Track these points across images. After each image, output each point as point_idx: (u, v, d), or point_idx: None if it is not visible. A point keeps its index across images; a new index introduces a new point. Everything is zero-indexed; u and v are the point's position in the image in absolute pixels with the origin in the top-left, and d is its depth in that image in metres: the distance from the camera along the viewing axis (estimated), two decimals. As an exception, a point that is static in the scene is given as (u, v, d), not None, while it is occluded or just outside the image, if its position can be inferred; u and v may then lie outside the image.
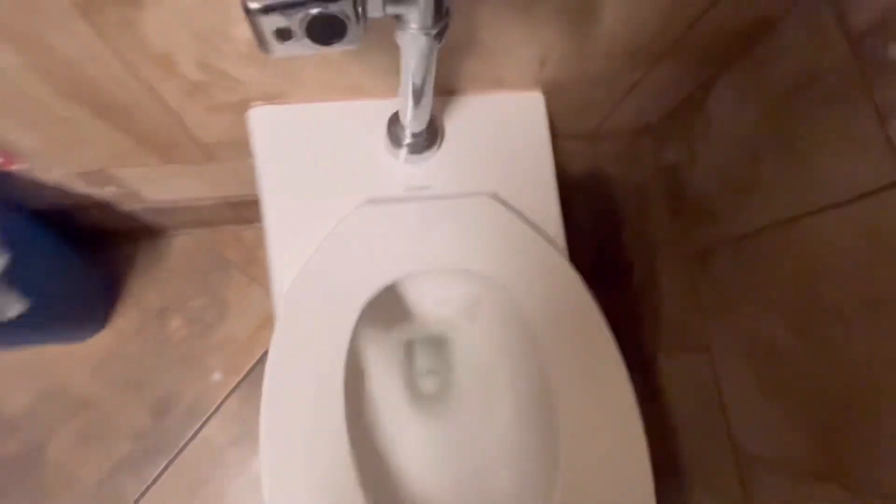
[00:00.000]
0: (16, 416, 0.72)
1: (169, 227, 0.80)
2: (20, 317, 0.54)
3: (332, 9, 0.25)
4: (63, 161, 0.56)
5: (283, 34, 0.26)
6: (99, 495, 0.71)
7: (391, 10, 0.28)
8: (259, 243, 0.82)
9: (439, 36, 0.30)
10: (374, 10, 0.27)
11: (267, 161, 0.48)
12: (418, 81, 0.36)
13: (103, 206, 0.69)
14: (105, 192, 0.65)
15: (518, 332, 0.53)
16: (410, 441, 0.53)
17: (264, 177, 0.48)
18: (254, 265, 0.81)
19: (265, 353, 0.77)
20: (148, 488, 0.72)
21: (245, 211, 0.78)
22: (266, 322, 0.79)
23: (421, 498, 0.49)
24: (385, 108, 0.48)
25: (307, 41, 0.27)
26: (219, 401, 0.76)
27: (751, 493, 0.57)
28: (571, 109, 0.60)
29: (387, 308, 0.54)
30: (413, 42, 0.30)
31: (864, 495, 0.43)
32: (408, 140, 0.47)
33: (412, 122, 0.43)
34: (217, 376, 0.77)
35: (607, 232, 0.84)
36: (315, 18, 0.26)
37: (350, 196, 0.47)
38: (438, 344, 0.61)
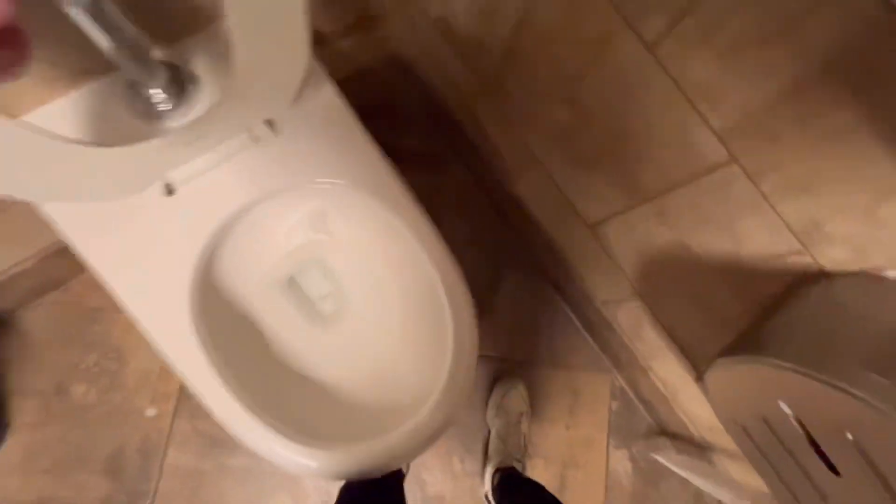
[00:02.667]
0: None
1: (13, 307, 0.74)
2: None
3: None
4: None
5: None
6: (101, 566, 0.72)
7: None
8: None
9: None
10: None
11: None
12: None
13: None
14: None
15: (373, 222, 0.57)
16: (325, 355, 0.58)
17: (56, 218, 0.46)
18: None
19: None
20: (144, 534, 0.74)
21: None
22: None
23: (337, 394, 0.56)
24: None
25: None
26: (166, 430, 0.77)
27: (606, 245, 0.70)
28: (328, 2, 0.61)
29: (243, 259, 0.56)
30: None
31: (647, 202, 0.55)
32: (160, 98, 0.46)
33: (141, 61, 0.42)
34: (151, 412, 0.77)
35: (434, 107, 0.89)
36: None
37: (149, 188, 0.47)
38: (320, 268, 0.65)
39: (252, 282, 0.58)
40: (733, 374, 0.42)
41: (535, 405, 0.89)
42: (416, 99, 0.93)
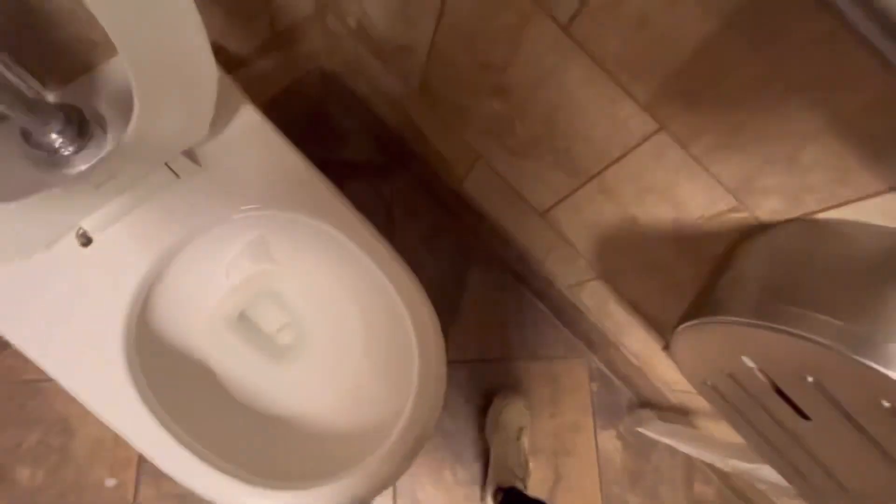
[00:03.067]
0: None
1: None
2: None
3: None
4: None
5: None
6: None
7: None
8: (22, 364, 0.72)
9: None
10: None
11: None
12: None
13: None
14: None
15: (317, 242, 0.55)
16: (285, 389, 0.55)
17: None
18: (41, 392, 0.72)
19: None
20: None
21: None
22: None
23: (303, 429, 0.53)
24: None
25: None
26: (130, 499, 0.71)
27: (560, 230, 0.70)
28: (235, 21, 0.58)
29: (182, 304, 0.52)
30: None
31: (590, 181, 0.55)
32: (59, 143, 0.42)
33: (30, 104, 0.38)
34: (111, 482, 0.71)
35: (367, 116, 0.87)
36: None
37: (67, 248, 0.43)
38: (272, 299, 0.62)
39: (197, 326, 0.54)
40: (694, 339, 0.43)
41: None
42: (348, 111, 0.91)
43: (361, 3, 0.63)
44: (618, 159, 0.50)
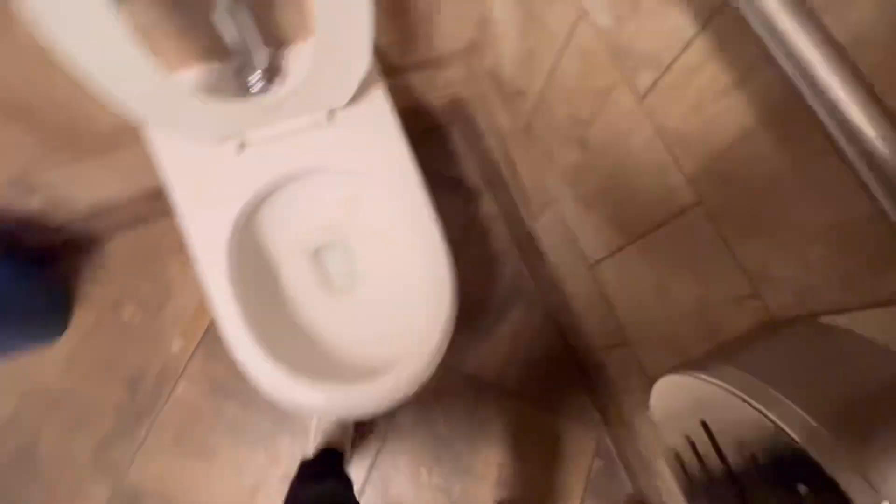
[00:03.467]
0: (5, 421, 0.81)
1: (102, 233, 0.91)
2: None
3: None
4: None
5: None
6: (95, 470, 0.81)
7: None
8: (187, 228, 0.94)
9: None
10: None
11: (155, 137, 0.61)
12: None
13: (39, 222, 0.80)
14: (33, 205, 0.76)
15: (394, 215, 0.67)
16: (331, 316, 0.67)
17: (156, 150, 0.61)
18: (185, 248, 0.93)
19: (213, 320, 0.90)
20: (136, 452, 0.82)
21: (165, 202, 0.89)
22: (209, 291, 0.91)
23: (340, 347, 0.63)
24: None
25: None
26: (182, 365, 0.87)
27: (602, 286, 0.74)
28: (396, 36, 0.76)
29: (282, 228, 0.68)
30: None
31: (635, 241, 0.60)
32: (255, 67, 0.60)
33: (249, 55, 0.57)
34: (176, 345, 0.88)
35: (477, 143, 1.00)
36: None
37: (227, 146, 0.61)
38: (342, 248, 0.75)
39: (282, 243, 0.69)
40: (668, 392, 0.45)
41: (516, 441, 0.90)
42: (463, 135, 1.06)
43: (500, 50, 0.77)
44: (661, 225, 0.54)
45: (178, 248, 0.93)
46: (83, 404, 0.83)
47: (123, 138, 0.71)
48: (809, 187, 0.36)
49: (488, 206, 1.05)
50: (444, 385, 0.91)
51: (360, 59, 0.56)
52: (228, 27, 0.53)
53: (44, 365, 0.84)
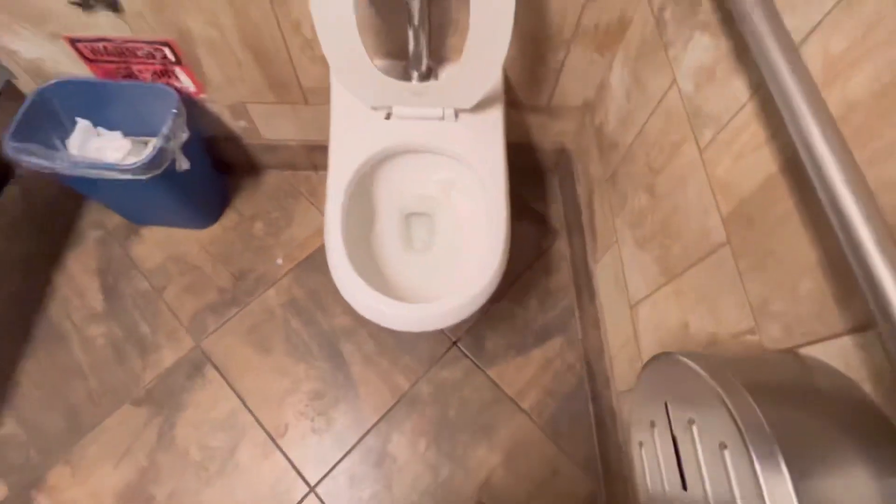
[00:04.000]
0: (150, 269, 1.08)
1: (266, 165, 1.19)
2: (186, 172, 0.92)
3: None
4: (224, 94, 0.97)
5: None
6: (191, 326, 1.03)
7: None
8: (322, 182, 1.19)
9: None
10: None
11: (336, 93, 0.85)
12: (419, 32, 0.72)
13: (234, 139, 1.10)
14: (238, 126, 1.06)
15: (478, 205, 0.83)
16: (407, 266, 0.83)
17: (333, 102, 0.85)
18: (314, 196, 1.18)
19: (313, 251, 1.11)
20: (221, 325, 1.03)
21: (316, 156, 1.16)
22: (317, 232, 1.13)
23: (412, 283, 0.78)
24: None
25: None
26: (277, 278, 1.08)
27: (637, 327, 0.79)
28: (526, 81, 0.95)
29: (391, 187, 0.86)
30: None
31: (672, 280, 0.66)
32: (418, 69, 0.82)
33: (419, 61, 0.79)
34: (279, 261, 1.10)
35: (569, 187, 1.13)
36: None
37: (378, 113, 0.83)
38: (428, 218, 0.91)
39: (387, 198, 0.87)
40: (644, 381, 0.50)
41: (514, 455, 0.93)
42: (560, 179, 1.20)
43: (609, 109, 0.91)
44: (695, 263, 0.61)
45: (308, 194, 1.18)
46: (201, 278, 1.08)
47: (314, 97, 0.98)
48: (806, 226, 0.43)
49: (562, 246, 1.15)
50: (468, 379, 0.99)
51: (488, 81, 0.75)
52: (412, 41, 0.75)
53: (190, 241, 1.11)
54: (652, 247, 0.74)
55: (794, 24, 0.44)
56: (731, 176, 0.54)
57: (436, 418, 0.96)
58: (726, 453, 0.36)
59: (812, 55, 0.42)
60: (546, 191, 1.22)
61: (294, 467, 0.91)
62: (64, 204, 1.13)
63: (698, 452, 0.40)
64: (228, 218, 1.15)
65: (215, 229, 1.13)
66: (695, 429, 0.41)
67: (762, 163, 0.49)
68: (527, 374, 1.01)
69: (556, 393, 0.99)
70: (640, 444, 0.51)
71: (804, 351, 0.44)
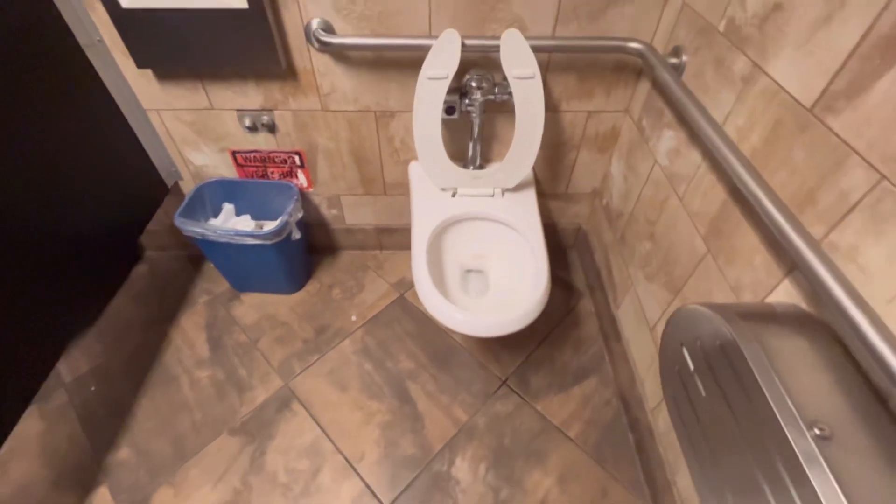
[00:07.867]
0: (248, 324, 1.30)
1: (342, 246, 1.50)
2: (294, 243, 1.21)
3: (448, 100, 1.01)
4: (327, 188, 1.32)
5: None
6: (281, 369, 1.21)
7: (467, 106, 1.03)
8: (386, 259, 1.48)
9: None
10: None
11: (415, 181, 1.19)
12: (476, 141, 1.09)
13: (324, 225, 1.42)
14: (329, 213, 1.39)
15: (523, 260, 1.10)
16: (468, 307, 1.07)
17: (414, 187, 1.18)
18: (381, 269, 1.45)
19: (381, 311, 1.35)
20: (306, 369, 1.21)
21: (384, 238, 1.46)
22: (384, 296, 1.38)
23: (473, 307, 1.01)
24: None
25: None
26: (352, 330, 1.30)
27: (655, 339, 0.98)
28: (549, 175, 1.29)
29: (455, 247, 1.15)
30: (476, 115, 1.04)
31: (678, 292, 0.89)
32: (475, 164, 1.16)
33: (475, 160, 1.14)
34: (353, 318, 1.32)
35: (587, 255, 1.40)
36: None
37: (447, 193, 1.15)
38: (482, 275, 1.17)
39: (452, 255, 1.15)
40: (669, 329, 0.71)
41: (566, 478, 1.04)
42: (579, 252, 1.47)
43: (612, 191, 1.23)
44: (691, 274, 0.86)
45: (374, 267, 1.46)
46: (289, 332, 1.29)
47: (392, 189, 1.32)
48: (748, 223, 0.70)
49: (587, 304, 1.38)
50: (518, 412, 1.14)
51: (523, 171, 1.09)
52: (471, 148, 1.11)
53: (280, 304, 1.36)
54: (659, 276, 0.98)
55: (717, 115, 0.76)
56: (702, 208, 0.82)
57: (493, 446, 1.08)
58: (722, 347, 0.57)
59: (730, 129, 0.74)
60: (568, 262, 1.50)
61: (370, 489, 1.02)
62: (181, 277, 1.41)
63: (708, 358, 0.61)
64: (311, 286, 1.41)
65: (301, 295, 1.39)
66: (698, 343, 0.62)
67: (718, 194, 0.77)
68: (569, 408, 1.15)
69: (598, 423, 1.12)
70: (673, 399, 0.69)
71: (767, 299, 0.67)
